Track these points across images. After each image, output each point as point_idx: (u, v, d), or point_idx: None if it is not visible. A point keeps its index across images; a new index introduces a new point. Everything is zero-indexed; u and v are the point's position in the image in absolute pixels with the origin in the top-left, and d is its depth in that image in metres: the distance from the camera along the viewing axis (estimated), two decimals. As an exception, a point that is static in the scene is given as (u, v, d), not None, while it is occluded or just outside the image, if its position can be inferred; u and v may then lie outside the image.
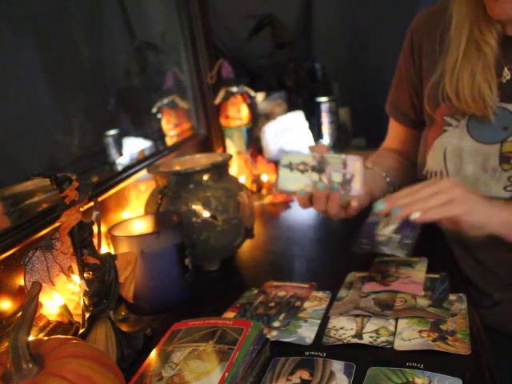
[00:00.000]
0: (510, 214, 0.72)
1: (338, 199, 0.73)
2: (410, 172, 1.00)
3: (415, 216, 0.69)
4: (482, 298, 0.86)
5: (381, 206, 0.72)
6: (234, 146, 1.48)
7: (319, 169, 0.73)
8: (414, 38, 0.91)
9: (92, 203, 0.64)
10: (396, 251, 0.71)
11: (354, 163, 0.75)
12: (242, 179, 1.35)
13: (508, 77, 0.77)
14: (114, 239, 0.74)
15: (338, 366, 0.53)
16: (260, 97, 1.70)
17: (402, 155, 1.03)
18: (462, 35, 0.79)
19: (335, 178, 0.73)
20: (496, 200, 0.78)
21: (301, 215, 1.18)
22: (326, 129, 1.71)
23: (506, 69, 0.78)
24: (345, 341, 0.59)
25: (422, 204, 0.70)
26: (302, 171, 0.73)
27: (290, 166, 0.74)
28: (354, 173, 0.74)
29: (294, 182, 0.73)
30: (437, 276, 0.72)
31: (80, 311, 0.60)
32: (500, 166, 0.78)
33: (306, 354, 0.56)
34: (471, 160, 0.81)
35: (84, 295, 0.59)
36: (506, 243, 0.73)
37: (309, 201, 0.75)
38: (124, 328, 0.66)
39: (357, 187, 0.74)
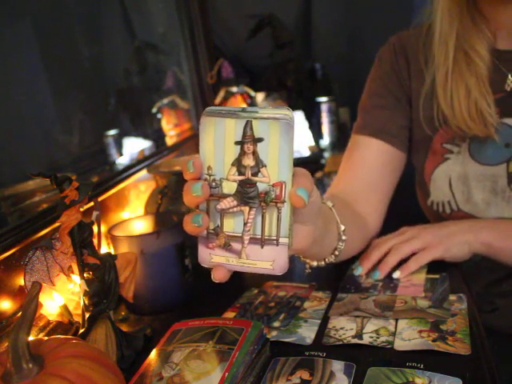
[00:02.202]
0: (489, 234, 0.73)
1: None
2: (366, 236, 0.82)
3: (397, 275, 0.72)
4: (482, 302, 0.85)
5: (359, 271, 0.76)
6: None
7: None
8: (399, 60, 0.85)
9: (92, 203, 0.64)
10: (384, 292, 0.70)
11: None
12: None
13: None
14: (114, 239, 0.74)
15: (338, 365, 0.53)
16: (260, 97, 1.70)
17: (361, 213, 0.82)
18: (449, 47, 0.77)
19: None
20: (476, 220, 0.78)
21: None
22: (325, 129, 1.71)
23: (509, 76, 0.76)
24: (345, 341, 0.59)
25: (395, 254, 0.73)
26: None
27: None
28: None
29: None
30: (437, 276, 0.72)
31: (80, 311, 0.60)
32: (509, 187, 0.77)
33: (306, 354, 0.56)
34: (479, 185, 0.79)
35: (84, 295, 0.59)
36: None
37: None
38: (124, 328, 0.66)
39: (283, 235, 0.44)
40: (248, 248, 0.45)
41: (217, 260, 0.46)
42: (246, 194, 0.43)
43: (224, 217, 0.44)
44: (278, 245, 0.44)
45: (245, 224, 0.44)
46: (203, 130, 0.43)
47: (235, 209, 0.44)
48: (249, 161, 0.43)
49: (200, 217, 0.43)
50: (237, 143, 0.42)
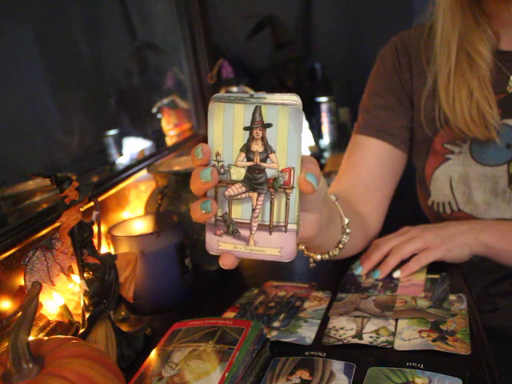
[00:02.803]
0: (489, 235, 0.73)
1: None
2: (367, 236, 0.82)
3: (397, 275, 0.72)
4: (482, 302, 0.85)
5: (359, 270, 0.75)
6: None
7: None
8: (401, 60, 0.85)
9: (92, 203, 0.64)
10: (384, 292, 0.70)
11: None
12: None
13: None
14: (114, 239, 0.73)
15: (338, 365, 0.53)
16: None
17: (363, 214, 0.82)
18: (451, 48, 0.77)
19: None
20: (476, 221, 0.78)
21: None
22: (325, 129, 1.71)
23: (511, 77, 0.76)
24: (345, 341, 0.59)
25: (396, 255, 0.73)
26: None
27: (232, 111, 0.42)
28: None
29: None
30: (437, 276, 0.72)
31: (80, 311, 0.60)
32: (509, 188, 0.77)
33: (306, 353, 0.56)
34: (480, 186, 0.79)
35: (84, 295, 0.59)
36: None
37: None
38: (124, 328, 0.66)
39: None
40: (256, 235, 0.44)
41: (224, 247, 0.45)
42: (255, 180, 0.43)
43: (232, 203, 0.44)
44: (286, 231, 0.44)
45: (253, 210, 0.44)
46: (211, 115, 0.42)
47: (243, 195, 0.43)
48: (257, 146, 0.42)
49: (209, 203, 0.42)
50: (246, 129, 0.42)
